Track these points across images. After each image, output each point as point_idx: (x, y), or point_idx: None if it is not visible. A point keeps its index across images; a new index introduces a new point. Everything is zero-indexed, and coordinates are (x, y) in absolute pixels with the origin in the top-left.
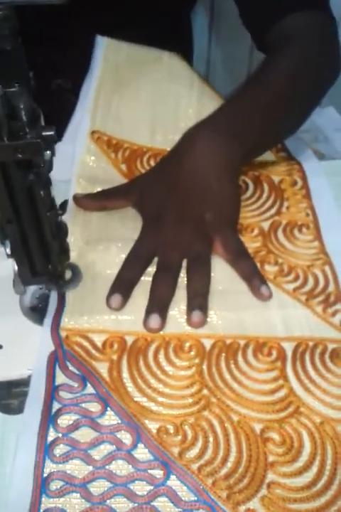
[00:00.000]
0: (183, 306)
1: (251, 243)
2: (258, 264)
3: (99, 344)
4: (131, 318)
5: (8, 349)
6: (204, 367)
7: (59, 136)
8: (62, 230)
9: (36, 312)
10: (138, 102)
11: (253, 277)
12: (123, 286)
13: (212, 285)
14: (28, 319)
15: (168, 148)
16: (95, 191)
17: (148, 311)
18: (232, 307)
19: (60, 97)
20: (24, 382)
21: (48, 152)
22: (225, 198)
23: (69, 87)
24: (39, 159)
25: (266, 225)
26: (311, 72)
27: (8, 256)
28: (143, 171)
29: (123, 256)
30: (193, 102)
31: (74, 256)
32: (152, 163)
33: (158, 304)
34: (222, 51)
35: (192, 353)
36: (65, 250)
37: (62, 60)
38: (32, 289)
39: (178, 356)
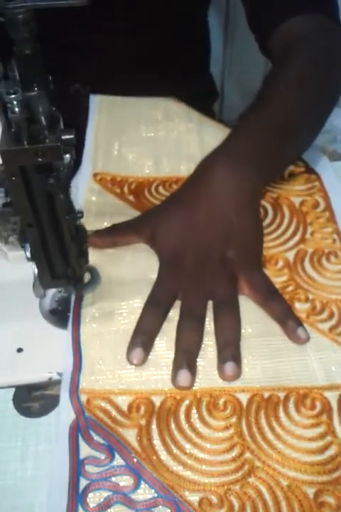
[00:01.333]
0: (211, 356)
1: (277, 277)
2: (288, 301)
3: (125, 408)
4: (155, 374)
5: (29, 352)
6: (244, 426)
7: (77, 141)
8: (80, 234)
9: (56, 315)
10: (140, 141)
11: (288, 319)
12: (143, 338)
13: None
14: (48, 322)
15: (176, 175)
16: (104, 226)
17: (177, 367)
18: (265, 353)
19: (78, 102)
20: (44, 386)
21: (68, 156)
22: (247, 232)
23: (88, 91)
24: (59, 163)
25: (290, 256)
26: (320, 80)
27: (28, 259)
28: (152, 200)
29: (140, 304)
30: (194, 133)
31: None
32: (161, 190)
33: (187, 357)
34: (237, 52)
35: (228, 410)
36: (83, 253)
37: (81, 65)
38: (51, 292)
39: (213, 415)
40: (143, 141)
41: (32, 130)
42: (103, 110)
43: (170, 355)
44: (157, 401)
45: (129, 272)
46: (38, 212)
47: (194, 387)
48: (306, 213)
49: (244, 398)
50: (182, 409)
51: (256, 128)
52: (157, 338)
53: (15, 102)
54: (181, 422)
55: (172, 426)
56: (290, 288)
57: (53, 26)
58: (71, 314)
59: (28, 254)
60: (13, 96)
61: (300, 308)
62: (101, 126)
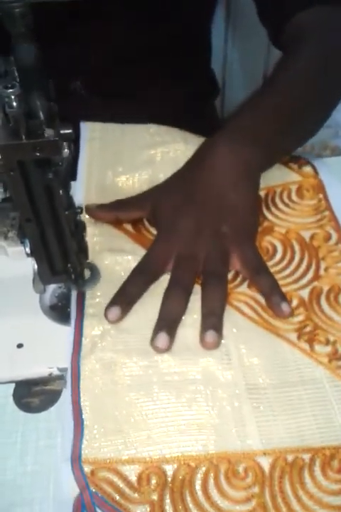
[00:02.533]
0: (226, 411)
1: (293, 317)
2: (307, 344)
3: (133, 478)
4: (166, 434)
5: (29, 348)
6: (267, 497)
7: (76, 136)
8: (80, 229)
9: (56, 311)
10: (135, 167)
11: (273, 293)
12: (124, 299)
13: (256, 378)
14: (48, 318)
15: None
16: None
17: (156, 330)
18: (286, 408)
19: (78, 98)
20: (44, 381)
21: (66, 150)
22: (243, 208)
23: (88, 89)
24: (57, 157)
25: (305, 294)
26: (330, 71)
27: (28, 255)
28: (153, 230)
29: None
30: (190, 151)
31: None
32: None
33: (167, 322)
34: (238, 47)
35: (249, 478)
36: (83, 249)
37: (81, 62)
38: (51, 287)
39: (232, 485)
40: (139, 167)
41: (30, 125)
42: (95, 138)
43: (177, 418)
44: (169, 470)
45: (134, 323)
46: (37, 207)
47: (209, 451)
48: (318, 248)
49: (265, 463)
50: (198, 478)
51: (260, 109)
52: (164, 398)
53: (12, 97)
54: (197, 495)
55: (188, 499)
56: (309, 328)
57: (52, 23)
58: (73, 323)
59: (28, 249)
60: (10, 90)
61: (321, 351)
62: (94, 154)
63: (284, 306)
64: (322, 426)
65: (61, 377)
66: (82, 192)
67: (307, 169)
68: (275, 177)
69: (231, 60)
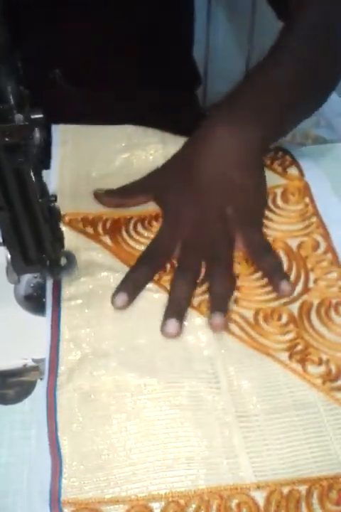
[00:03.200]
0: (216, 443)
1: (283, 335)
2: (299, 365)
3: None
4: (152, 470)
5: (3, 339)
6: None
7: (52, 123)
8: (54, 217)
9: (31, 301)
10: (111, 172)
11: (275, 273)
12: (131, 285)
13: (247, 404)
14: (23, 308)
15: (156, 208)
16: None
17: (166, 316)
18: (280, 437)
19: (57, 88)
20: (19, 372)
21: (37, 136)
22: (247, 190)
23: (68, 78)
24: (28, 142)
25: (295, 309)
26: (333, 36)
27: (0, 244)
28: (130, 242)
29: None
30: (170, 156)
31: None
32: (140, 228)
33: (176, 308)
34: (220, 37)
35: None
36: (58, 238)
37: (59, 51)
38: (26, 277)
39: None
40: (115, 172)
41: None
42: (68, 141)
43: (164, 451)
44: (157, 508)
45: (113, 346)
46: (9, 194)
47: (199, 487)
48: (306, 258)
49: (260, 497)
50: None
51: (262, 83)
52: (149, 428)
53: None
54: None
55: None
56: (300, 347)
57: (32, 9)
58: (49, 314)
59: (0, 238)
60: None
61: (314, 372)
62: (67, 159)
63: (283, 285)
64: (317, 454)
65: (36, 369)
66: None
67: (292, 171)
68: None
69: (213, 50)
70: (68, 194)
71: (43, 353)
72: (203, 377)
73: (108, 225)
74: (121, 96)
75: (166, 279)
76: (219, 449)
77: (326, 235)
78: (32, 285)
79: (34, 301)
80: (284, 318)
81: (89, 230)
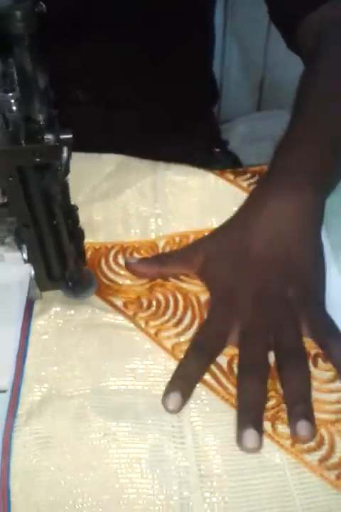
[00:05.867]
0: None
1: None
2: (269, 423)
3: None
4: None
5: None
6: None
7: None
8: (78, 234)
9: None
10: (96, 196)
11: None
12: (184, 383)
13: (211, 463)
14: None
15: (138, 239)
16: (53, 311)
17: (242, 427)
18: (241, 502)
19: (80, 107)
20: None
21: (65, 155)
22: (309, 266)
23: (89, 97)
24: (56, 162)
25: (271, 358)
26: None
27: (25, 261)
28: (109, 273)
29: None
30: (155, 180)
31: None
32: (120, 260)
33: (252, 416)
34: (236, 50)
35: None
36: (81, 254)
37: (84, 71)
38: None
39: None
40: (101, 198)
41: (29, 129)
42: None
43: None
44: None
45: (77, 386)
46: (35, 212)
47: None
48: None
49: None
50: None
51: (311, 135)
52: (104, 484)
53: (12, 101)
54: None
55: None
56: (272, 402)
57: (55, 31)
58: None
59: (25, 255)
60: (10, 94)
61: (284, 432)
62: None
63: None
64: None
65: None
66: None
67: None
68: (228, 202)
69: (229, 62)
70: None
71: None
72: (168, 431)
73: (88, 254)
74: (143, 114)
75: (142, 316)
76: (177, 510)
77: None
78: None
79: None
80: None
81: None
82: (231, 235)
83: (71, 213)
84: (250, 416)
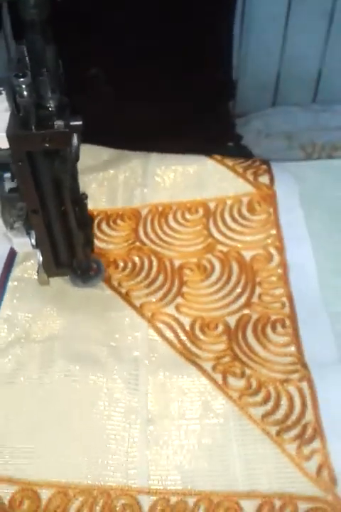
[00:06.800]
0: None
1: (214, 345)
2: (220, 375)
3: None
4: (51, 453)
5: None
6: None
7: (91, 126)
8: (86, 221)
9: None
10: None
11: None
12: None
13: (160, 411)
14: None
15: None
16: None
17: None
18: (182, 445)
19: (94, 87)
20: None
21: (75, 141)
22: None
23: (105, 77)
24: (66, 148)
25: (232, 321)
26: None
27: (34, 247)
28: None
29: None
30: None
31: None
32: (104, 226)
33: None
34: (253, 44)
35: None
36: (89, 241)
37: (98, 50)
38: None
39: None
40: (87, 175)
41: (40, 115)
42: None
43: (66, 441)
44: (44, 497)
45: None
46: (44, 198)
47: (89, 482)
48: (256, 271)
49: (146, 502)
50: (72, 509)
51: None
52: (61, 417)
53: (23, 86)
54: None
55: None
56: (226, 359)
57: (70, 11)
58: None
59: (33, 241)
60: (21, 79)
61: (234, 384)
62: None
63: None
64: (215, 468)
65: None
66: None
67: (263, 180)
68: (228, 188)
69: (245, 57)
70: None
71: None
72: (125, 377)
73: None
74: (156, 105)
75: (116, 277)
76: (120, 448)
77: (281, 250)
78: None
79: None
80: (220, 329)
81: None
82: None
83: (80, 201)
84: None
